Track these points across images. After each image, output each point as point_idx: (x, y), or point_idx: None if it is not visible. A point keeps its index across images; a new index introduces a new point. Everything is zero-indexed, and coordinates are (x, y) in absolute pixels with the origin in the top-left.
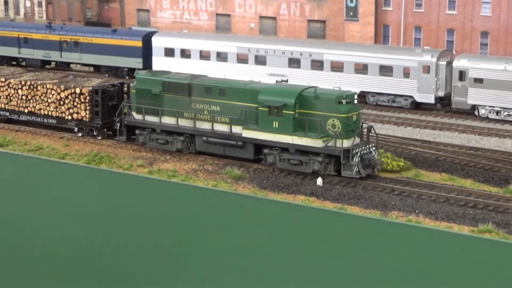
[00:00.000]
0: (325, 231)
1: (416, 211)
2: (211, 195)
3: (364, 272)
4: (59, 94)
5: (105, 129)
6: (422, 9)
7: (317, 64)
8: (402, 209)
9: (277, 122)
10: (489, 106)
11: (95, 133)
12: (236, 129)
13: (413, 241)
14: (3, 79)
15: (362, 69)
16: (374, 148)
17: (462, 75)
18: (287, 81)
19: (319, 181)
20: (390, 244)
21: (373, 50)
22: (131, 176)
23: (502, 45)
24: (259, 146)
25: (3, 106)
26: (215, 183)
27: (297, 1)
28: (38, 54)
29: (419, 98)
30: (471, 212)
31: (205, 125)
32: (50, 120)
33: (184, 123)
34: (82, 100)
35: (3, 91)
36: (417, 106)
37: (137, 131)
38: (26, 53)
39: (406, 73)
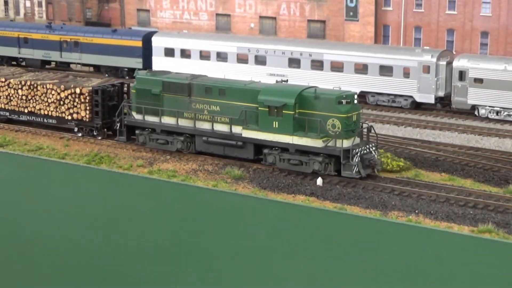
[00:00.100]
0: (325, 231)
1: (416, 211)
2: (211, 195)
3: (364, 272)
4: (59, 94)
5: (105, 129)
6: (422, 9)
7: (317, 64)
8: (402, 209)
9: (277, 122)
10: (489, 106)
11: (95, 133)
12: (236, 129)
13: (413, 241)
14: (3, 79)
15: (362, 69)
16: (374, 148)
17: (462, 75)
18: (287, 81)
19: (319, 181)
20: (390, 244)
21: (373, 50)
22: (131, 176)
23: (502, 45)
24: (259, 146)
25: (3, 106)
26: (215, 183)
27: (297, 1)
28: (38, 54)
29: (419, 98)
30: (471, 212)
31: (205, 125)
32: (50, 120)
33: (184, 123)
34: (82, 100)
35: (3, 91)
36: (417, 106)
37: (137, 131)
38: (26, 53)
39: (406, 73)
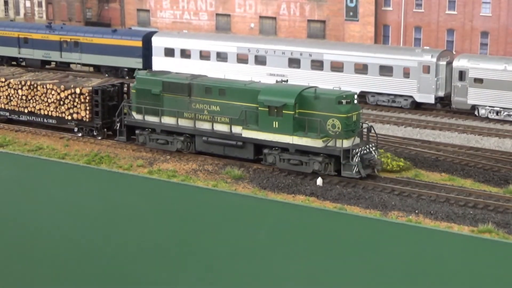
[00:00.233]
0: (325, 231)
1: (416, 211)
2: (211, 195)
3: (364, 272)
4: (59, 94)
5: (105, 129)
6: (422, 9)
7: (317, 64)
8: (402, 209)
9: (277, 122)
10: (489, 106)
11: (95, 133)
12: (236, 129)
13: (413, 241)
14: (3, 79)
15: (362, 69)
16: (374, 148)
17: (462, 75)
18: (287, 81)
19: (319, 181)
20: (390, 244)
21: (373, 50)
22: (131, 176)
23: (502, 45)
24: (259, 146)
25: (3, 106)
26: (215, 183)
27: (297, 1)
28: (38, 54)
29: (419, 98)
30: (471, 212)
31: (205, 125)
32: (50, 120)
33: (184, 123)
34: (82, 100)
35: (3, 91)
36: (417, 106)
37: (137, 131)
38: (26, 53)
39: (406, 73)
